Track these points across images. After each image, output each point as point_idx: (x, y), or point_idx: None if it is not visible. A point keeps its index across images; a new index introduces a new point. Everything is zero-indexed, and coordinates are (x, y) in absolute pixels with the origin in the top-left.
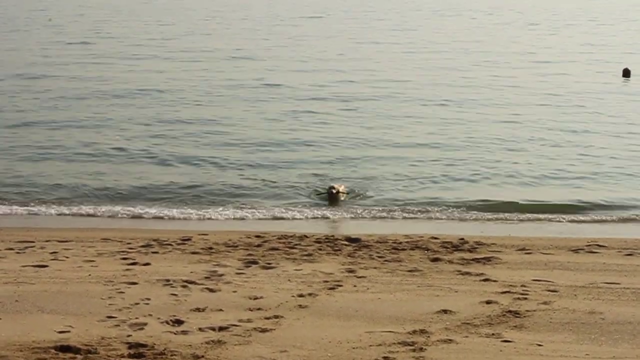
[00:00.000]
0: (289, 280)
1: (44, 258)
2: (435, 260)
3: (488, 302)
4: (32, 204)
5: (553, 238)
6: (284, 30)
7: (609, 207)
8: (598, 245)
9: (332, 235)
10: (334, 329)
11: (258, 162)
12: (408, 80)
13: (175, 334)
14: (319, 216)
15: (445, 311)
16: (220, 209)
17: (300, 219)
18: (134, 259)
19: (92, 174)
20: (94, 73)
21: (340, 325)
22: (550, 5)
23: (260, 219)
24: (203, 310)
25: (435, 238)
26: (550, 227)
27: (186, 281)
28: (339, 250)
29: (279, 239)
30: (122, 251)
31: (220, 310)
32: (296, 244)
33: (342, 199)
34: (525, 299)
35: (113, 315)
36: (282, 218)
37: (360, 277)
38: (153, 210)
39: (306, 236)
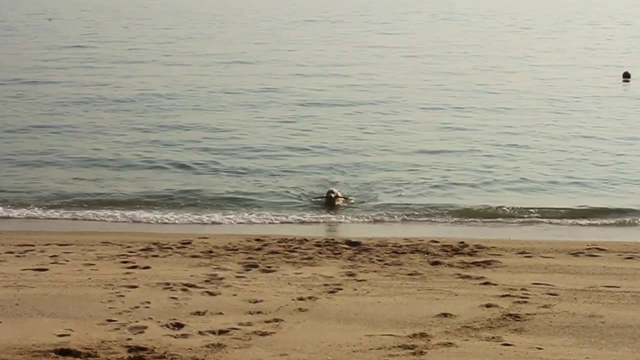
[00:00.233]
0: (289, 283)
1: (44, 261)
2: (436, 263)
3: (488, 306)
4: (32, 208)
5: (553, 241)
6: (283, 34)
7: (609, 211)
8: (598, 248)
9: (332, 239)
10: (334, 332)
11: (258, 167)
12: (407, 85)
13: (175, 337)
14: (319, 220)
15: (445, 314)
16: (220, 212)
17: (300, 222)
18: (134, 263)
19: (92, 179)
20: (93, 78)
21: (341, 328)
22: (547, 8)
23: (260, 222)
24: (203, 313)
25: (435, 241)
26: (550, 230)
27: (186, 284)
28: (339, 253)
29: (279, 242)
30: (122, 255)
31: (220, 313)
32: (296, 248)
33: (340, 203)
34: (526, 302)
35: (113, 319)
36: (282, 222)
37: (360, 280)
38: (153, 214)
39: (306, 240)
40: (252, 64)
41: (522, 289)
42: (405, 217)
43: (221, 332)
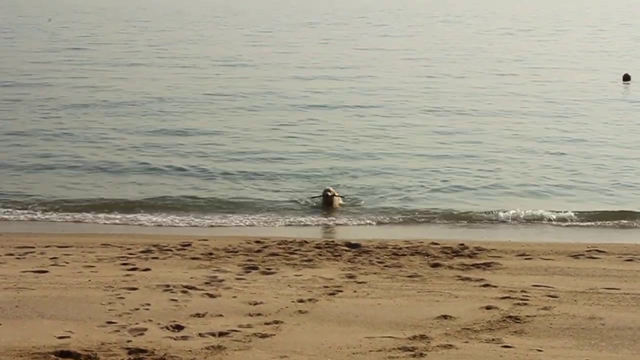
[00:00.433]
0: (289, 285)
1: (44, 263)
2: (435, 265)
3: (488, 308)
4: (32, 210)
5: (553, 243)
6: (281, 37)
7: (609, 213)
8: (598, 250)
9: (332, 241)
10: (334, 334)
11: (257, 170)
12: (407, 88)
13: (175, 339)
14: (319, 222)
15: (445, 316)
16: (220, 215)
17: (300, 224)
18: (134, 265)
19: (92, 181)
20: (93, 81)
21: (340, 330)
22: (547, 10)
23: (260, 224)
24: (203, 315)
25: (435, 243)
26: (550, 232)
27: (186, 286)
28: (339, 255)
29: (279, 244)
30: (122, 257)
31: (220, 315)
32: (296, 250)
33: (338, 203)
34: (526, 304)
35: (113, 321)
36: (281, 224)
37: (360, 282)
38: (153, 217)
39: (306, 242)
40: (251, 67)
41: (522, 291)
42: (405, 219)
43: (221, 334)
